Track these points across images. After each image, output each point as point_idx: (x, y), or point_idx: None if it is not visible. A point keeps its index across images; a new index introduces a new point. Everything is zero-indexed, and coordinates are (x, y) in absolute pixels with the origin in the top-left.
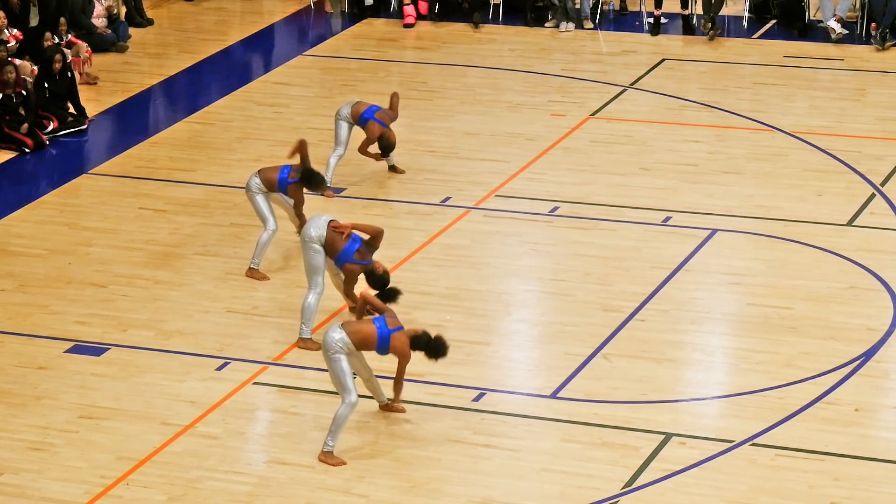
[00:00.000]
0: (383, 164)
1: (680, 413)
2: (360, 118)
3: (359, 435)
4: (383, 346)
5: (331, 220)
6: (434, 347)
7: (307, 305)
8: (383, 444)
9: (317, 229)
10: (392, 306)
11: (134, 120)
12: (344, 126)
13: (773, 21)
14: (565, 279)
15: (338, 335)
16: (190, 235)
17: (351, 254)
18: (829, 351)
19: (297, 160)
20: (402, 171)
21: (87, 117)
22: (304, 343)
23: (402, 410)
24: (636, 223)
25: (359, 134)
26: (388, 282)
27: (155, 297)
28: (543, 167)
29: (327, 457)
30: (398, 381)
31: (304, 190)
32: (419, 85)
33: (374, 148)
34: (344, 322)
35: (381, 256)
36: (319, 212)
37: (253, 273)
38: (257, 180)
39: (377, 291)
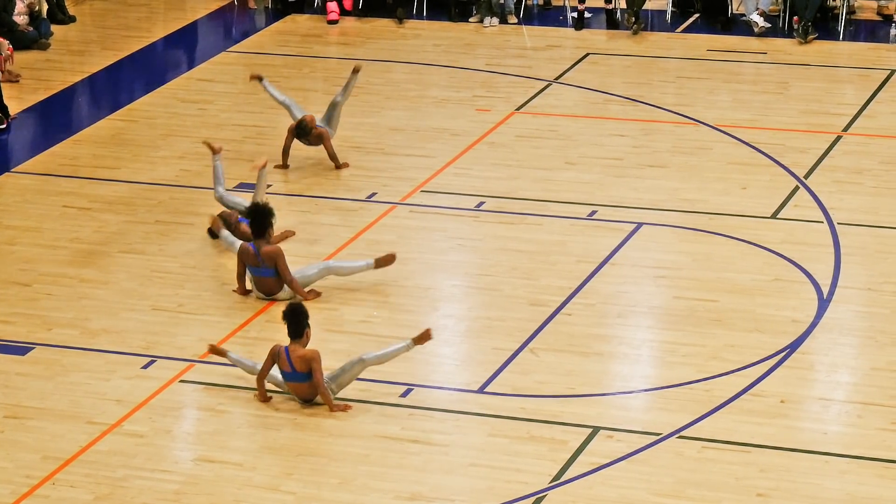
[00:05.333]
0: (308, 160)
1: (607, 406)
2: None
3: (286, 431)
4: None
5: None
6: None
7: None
8: (311, 441)
9: None
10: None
11: (57, 118)
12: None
13: (697, 15)
14: (492, 274)
15: None
16: (115, 233)
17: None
18: (754, 343)
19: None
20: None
21: (10, 116)
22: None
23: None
24: (562, 217)
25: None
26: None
27: (80, 296)
28: (469, 162)
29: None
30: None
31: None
32: (343, 80)
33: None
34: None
35: (307, 253)
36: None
37: None
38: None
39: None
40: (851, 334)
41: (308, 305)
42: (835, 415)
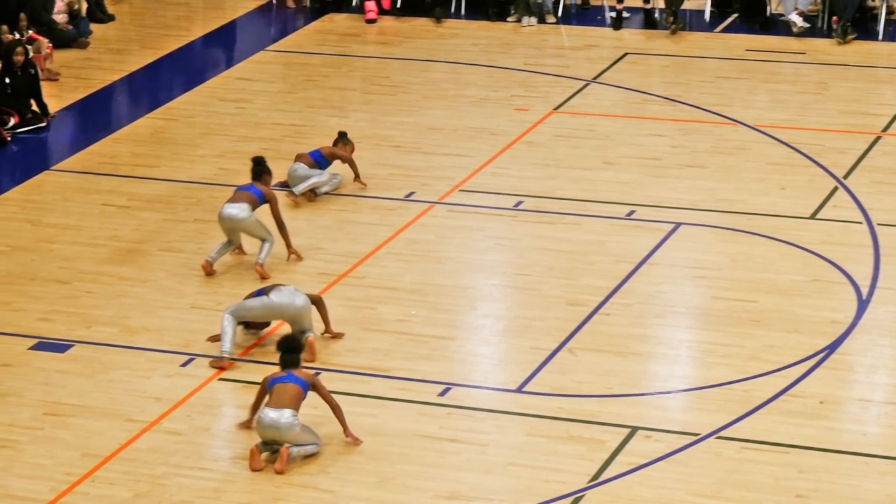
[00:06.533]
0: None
1: (645, 406)
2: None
3: (325, 430)
4: (305, 390)
5: None
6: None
7: None
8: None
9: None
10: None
11: (96, 116)
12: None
13: (735, 15)
14: (530, 273)
15: (285, 415)
16: (154, 231)
17: None
18: (793, 344)
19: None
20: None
21: (49, 115)
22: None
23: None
24: (600, 217)
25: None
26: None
27: (119, 294)
28: (507, 162)
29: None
30: (340, 414)
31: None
32: (382, 80)
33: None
34: (270, 402)
35: (346, 252)
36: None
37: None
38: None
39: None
40: (891, 335)
41: (345, 303)
42: (874, 416)
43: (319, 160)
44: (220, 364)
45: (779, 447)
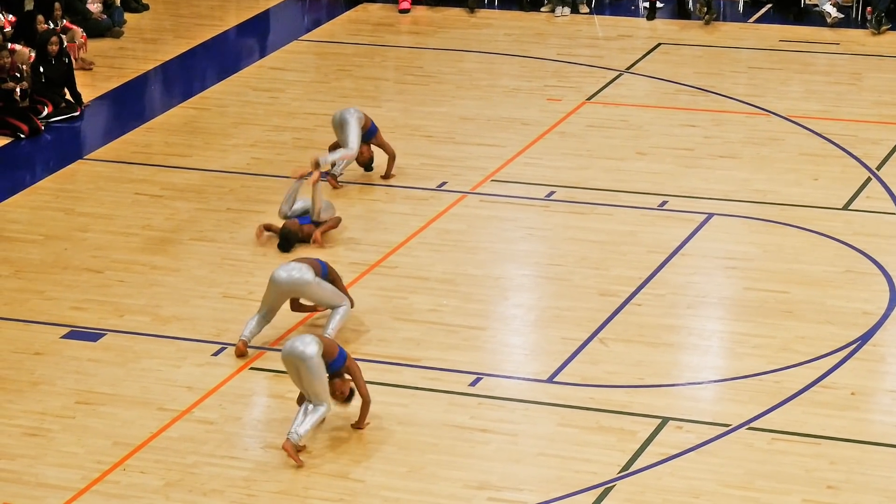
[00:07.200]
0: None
1: (676, 397)
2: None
3: (355, 420)
4: (341, 360)
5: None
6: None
7: None
8: (380, 429)
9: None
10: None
11: (130, 105)
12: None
13: (769, 5)
14: (562, 264)
15: (314, 346)
16: (186, 221)
17: None
18: (825, 335)
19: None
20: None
21: (83, 104)
22: None
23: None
24: (632, 207)
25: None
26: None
27: (151, 283)
28: (539, 152)
29: (294, 449)
30: (366, 399)
31: None
32: (415, 70)
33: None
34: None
35: (378, 241)
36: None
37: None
38: None
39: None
40: None
41: (377, 293)
42: None
43: (374, 131)
44: (238, 351)
45: (810, 438)
